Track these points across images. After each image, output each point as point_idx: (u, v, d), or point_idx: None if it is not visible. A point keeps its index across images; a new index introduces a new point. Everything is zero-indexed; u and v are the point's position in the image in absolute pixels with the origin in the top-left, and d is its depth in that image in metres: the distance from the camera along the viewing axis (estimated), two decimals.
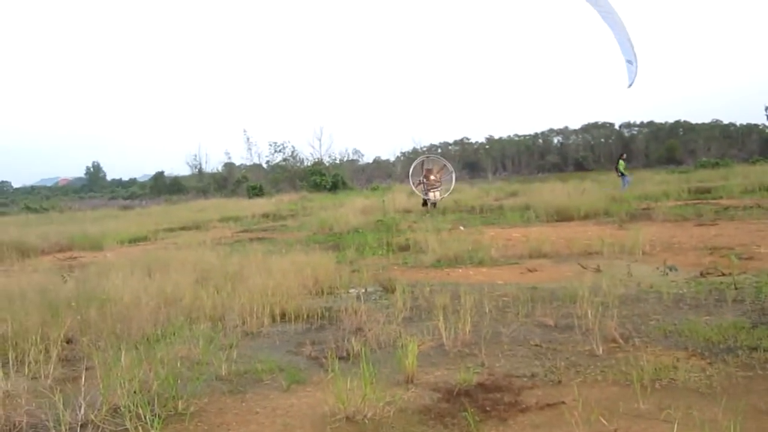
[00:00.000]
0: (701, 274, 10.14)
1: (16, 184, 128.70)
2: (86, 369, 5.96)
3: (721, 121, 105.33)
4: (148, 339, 7.35)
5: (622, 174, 32.08)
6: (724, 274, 9.84)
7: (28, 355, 6.69)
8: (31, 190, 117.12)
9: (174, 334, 7.49)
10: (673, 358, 5.94)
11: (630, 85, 13.03)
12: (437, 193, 28.01)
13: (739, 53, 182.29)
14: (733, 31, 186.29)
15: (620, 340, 6.58)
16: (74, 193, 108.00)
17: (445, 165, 30.28)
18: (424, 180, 28.32)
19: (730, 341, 6.37)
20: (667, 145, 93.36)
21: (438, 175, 28.65)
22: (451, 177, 29.97)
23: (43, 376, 6.26)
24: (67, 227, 27.34)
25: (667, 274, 10.35)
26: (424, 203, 28.02)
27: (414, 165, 29.73)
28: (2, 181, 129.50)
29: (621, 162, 32.46)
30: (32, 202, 72.57)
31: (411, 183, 29.49)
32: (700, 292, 8.86)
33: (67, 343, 7.65)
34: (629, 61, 12.66)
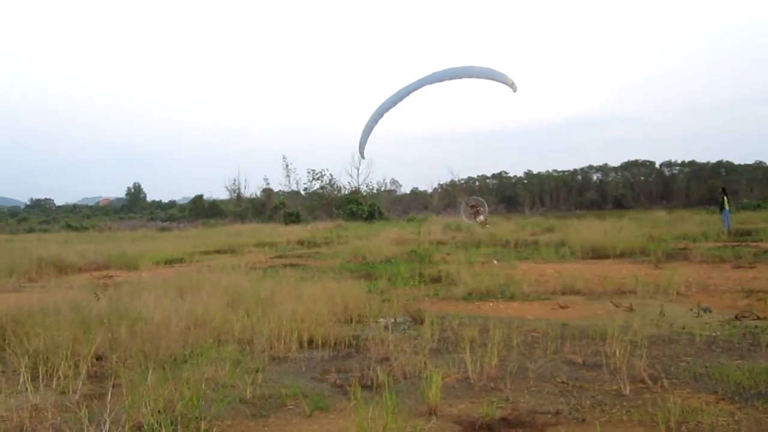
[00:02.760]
0: (736, 317, 9.96)
1: (58, 202, 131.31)
2: (113, 386, 6.04)
3: (765, 163, 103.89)
4: (175, 359, 7.42)
5: (724, 209, 31.05)
6: (759, 318, 9.69)
7: (58, 370, 6.79)
8: (72, 209, 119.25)
9: (201, 355, 7.54)
10: (701, 402, 5.83)
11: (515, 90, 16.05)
12: (482, 217, 37.79)
13: None
14: None
15: (648, 381, 6.49)
16: (114, 213, 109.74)
17: (481, 201, 41.01)
18: (472, 211, 38.65)
19: (761, 386, 6.24)
20: (709, 185, 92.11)
21: (479, 208, 39.02)
22: (486, 209, 40.30)
23: (71, 391, 6.35)
24: (105, 246, 27.78)
25: (700, 315, 10.19)
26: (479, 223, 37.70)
27: (462, 205, 40.55)
28: (45, 199, 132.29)
29: (725, 198, 31.33)
30: (73, 221, 73.95)
31: (462, 216, 39.65)
32: (734, 335, 8.71)
33: (97, 359, 7.74)
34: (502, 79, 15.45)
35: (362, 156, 17.59)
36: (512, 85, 15.49)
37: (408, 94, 16.04)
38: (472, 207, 39.08)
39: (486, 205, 41.01)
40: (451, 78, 15.06)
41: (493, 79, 14.86)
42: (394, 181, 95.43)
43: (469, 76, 14.93)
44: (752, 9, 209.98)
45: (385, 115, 16.51)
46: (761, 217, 36.82)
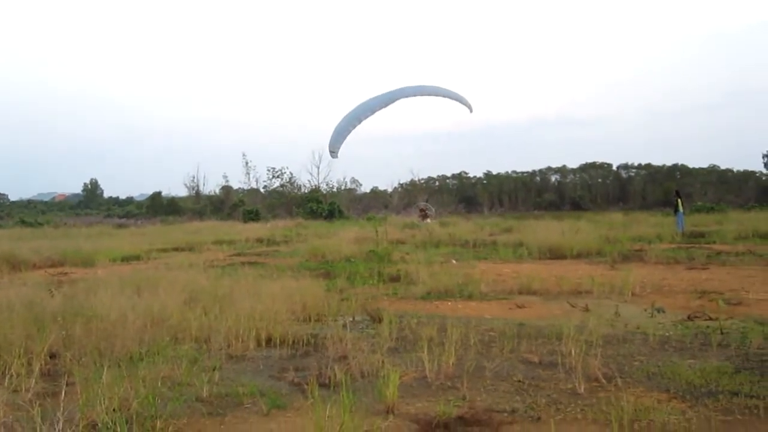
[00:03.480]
0: (689, 318, 10.16)
1: (12, 198, 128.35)
2: (67, 384, 5.95)
3: (719, 167, 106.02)
4: (131, 357, 7.36)
5: (678, 211, 31.67)
6: (711, 319, 9.87)
7: (10, 368, 6.69)
8: (27, 204, 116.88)
9: (158, 353, 7.49)
10: (654, 400, 5.95)
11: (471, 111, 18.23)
12: (429, 219, 44.31)
13: (739, 99, 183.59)
14: (734, 76, 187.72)
15: (603, 380, 6.59)
16: (71, 209, 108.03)
17: (429, 206, 50.63)
18: (421, 214, 47.20)
19: (712, 385, 6.39)
20: (664, 188, 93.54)
21: (427, 211, 47.67)
22: (433, 212, 49.99)
23: (23, 390, 6.26)
24: (60, 243, 27.30)
25: (654, 316, 10.41)
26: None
27: (415, 207, 51.39)
28: None
29: (679, 200, 31.73)
30: (28, 216, 72.54)
31: (415, 217, 47.37)
32: (686, 335, 8.89)
33: (51, 357, 7.63)
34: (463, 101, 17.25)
35: (334, 156, 17.96)
36: (469, 107, 16.69)
37: (381, 106, 16.79)
38: (421, 210, 48.69)
39: (433, 209, 51.40)
40: (421, 95, 15.99)
41: (455, 100, 15.81)
42: (354, 180, 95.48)
43: (436, 95, 15.89)
44: (711, 17, 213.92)
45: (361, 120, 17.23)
46: (714, 220, 37.59)
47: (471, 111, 16.84)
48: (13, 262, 20.61)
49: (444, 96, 15.96)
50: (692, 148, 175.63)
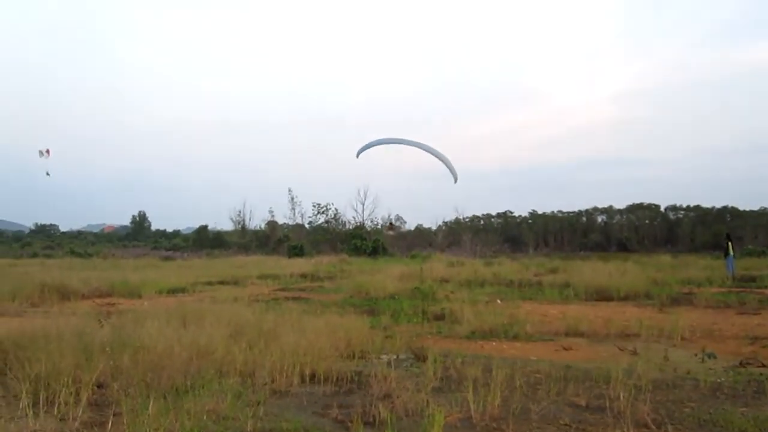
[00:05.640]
0: (741, 364, 9.90)
1: (63, 228, 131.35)
2: (114, 415, 6.02)
3: None
4: (177, 389, 7.39)
5: (729, 255, 31.04)
6: (764, 365, 9.62)
7: (59, 396, 6.77)
8: (77, 235, 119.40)
9: (203, 386, 7.51)
10: None
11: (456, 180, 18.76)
12: (391, 232, 56.26)
13: None
14: None
15: (652, 426, 6.43)
16: (119, 241, 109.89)
17: (396, 224, 67.65)
18: (389, 227, 64.29)
19: None
20: (713, 231, 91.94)
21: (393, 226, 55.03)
22: (396, 227, 66.01)
23: (71, 419, 6.33)
24: (108, 274, 27.78)
25: (705, 361, 10.16)
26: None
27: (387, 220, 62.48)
28: (50, 225, 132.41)
29: (729, 243, 31.15)
30: (77, 247, 74.07)
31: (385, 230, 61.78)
32: (739, 381, 8.66)
33: (98, 387, 7.70)
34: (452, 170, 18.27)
35: (357, 155, 19.13)
36: (455, 178, 18.81)
37: (382, 143, 18.07)
38: (390, 224, 66.75)
39: (398, 225, 68.92)
40: (420, 148, 17.44)
41: (446, 166, 17.17)
42: (398, 217, 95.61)
43: (434, 155, 17.25)
44: (758, 54, 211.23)
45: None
46: (766, 264, 36.80)
47: (455, 182, 17.95)
48: (63, 291, 21.00)
49: (439, 158, 17.14)
50: (743, 190, 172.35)
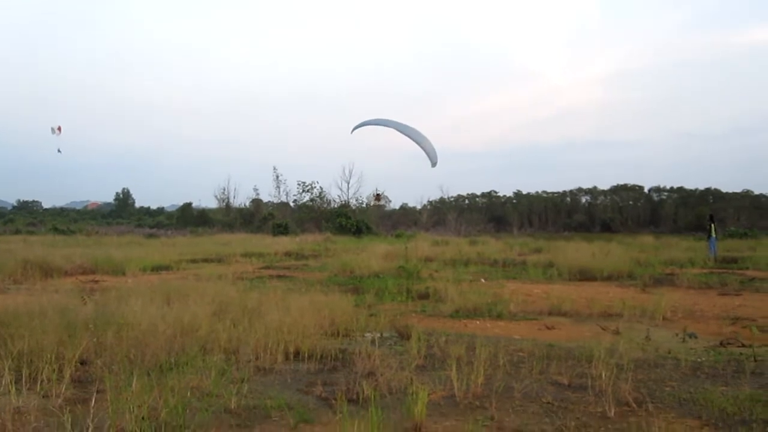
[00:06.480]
0: (721, 344, 10.01)
1: (46, 205, 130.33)
2: (97, 391, 6.00)
3: (752, 191, 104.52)
4: (161, 366, 7.38)
5: (711, 236, 31.10)
6: (744, 345, 9.72)
7: (42, 374, 6.75)
8: (60, 212, 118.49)
9: (187, 363, 7.51)
10: (685, 427, 5.86)
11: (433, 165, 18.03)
12: (380, 201, 62.73)
13: None
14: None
15: (633, 404, 6.50)
16: (102, 218, 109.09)
17: (384, 195, 69.84)
18: (375, 198, 68.76)
19: (745, 413, 6.27)
20: (696, 212, 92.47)
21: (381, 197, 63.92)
22: (384, 199, 71.05)
23: (54, 395, 6.32)
24: (92, 251, 27.62)
25: (686, 341, 10.26)
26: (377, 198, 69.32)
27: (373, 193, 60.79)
28: (32, 201, 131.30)
29: (712, 225, 31.25)
30: (60, 224, 73.47)
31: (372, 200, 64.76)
32: (719, 361, 8.75)
33: (81, 364, 7.69)
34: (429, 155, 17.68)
35: (351, 131, 19.11)
36: (432, 163, 18.01)
37: (377, 124, 17.91)
38: (377, 195, 72.41)
39: (385, 197, 72.03)
40: (403, 132, 17.22)
41: (425, 152, 16.94)
42: (384, 196, 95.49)
43: (416, 142, 17.06)
44: (746, 39, 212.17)
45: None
46: (747, 245, 37.04)
47: (433, 166, 17.89)
48: (45, 268, 20.87)
49: (418, 143, 17.05)
50: (725, 173, 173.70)
